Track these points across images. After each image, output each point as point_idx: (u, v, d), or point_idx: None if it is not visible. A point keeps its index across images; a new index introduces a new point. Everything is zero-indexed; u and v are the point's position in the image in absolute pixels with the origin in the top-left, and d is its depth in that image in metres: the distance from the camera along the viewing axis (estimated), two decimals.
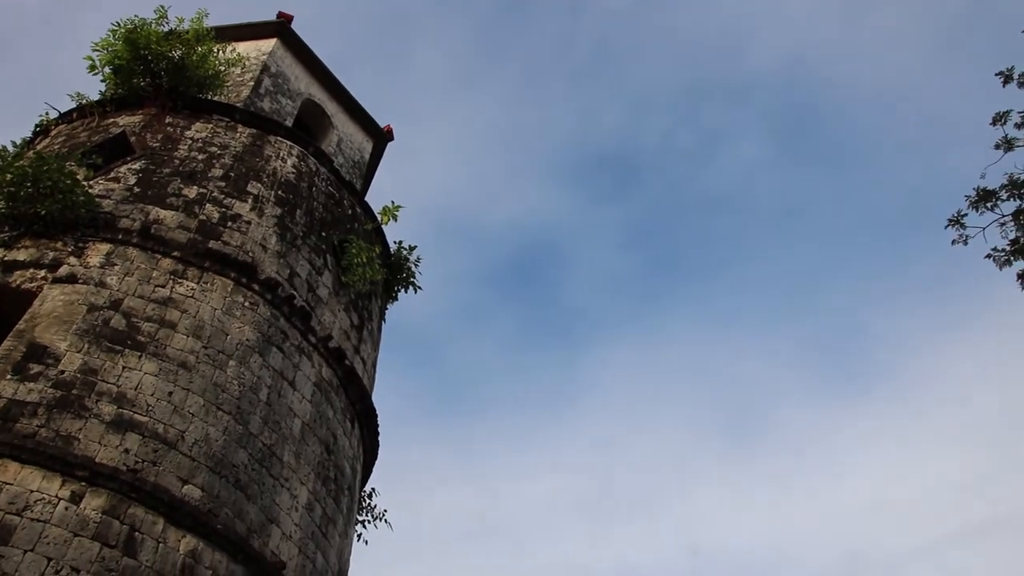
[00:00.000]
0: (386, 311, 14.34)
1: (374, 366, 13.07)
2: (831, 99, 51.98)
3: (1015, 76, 11.97)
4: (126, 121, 12.35)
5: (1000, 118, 12.26)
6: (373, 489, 13.49)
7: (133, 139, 11.91)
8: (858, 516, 44.03)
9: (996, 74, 12.08)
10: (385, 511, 13.43)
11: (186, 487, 7.94)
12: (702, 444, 50.67)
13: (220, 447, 8.50)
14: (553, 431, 51.21)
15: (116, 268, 9.60)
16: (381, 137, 18.83)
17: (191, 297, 9.67)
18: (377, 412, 12.30)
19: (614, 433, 50.09)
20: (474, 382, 52.57)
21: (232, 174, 11.57)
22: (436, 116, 53.90)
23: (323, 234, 12.21)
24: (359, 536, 12.85)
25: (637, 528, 46.96)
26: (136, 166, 11.24)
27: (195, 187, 11.07)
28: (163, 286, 9.62)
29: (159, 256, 9.95)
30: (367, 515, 13.17)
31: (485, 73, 55.80)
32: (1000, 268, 12.44)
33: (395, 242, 14.44)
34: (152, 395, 8.42)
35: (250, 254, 10.53)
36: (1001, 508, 41.82)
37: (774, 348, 52.45)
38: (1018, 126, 12.19)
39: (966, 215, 12.53)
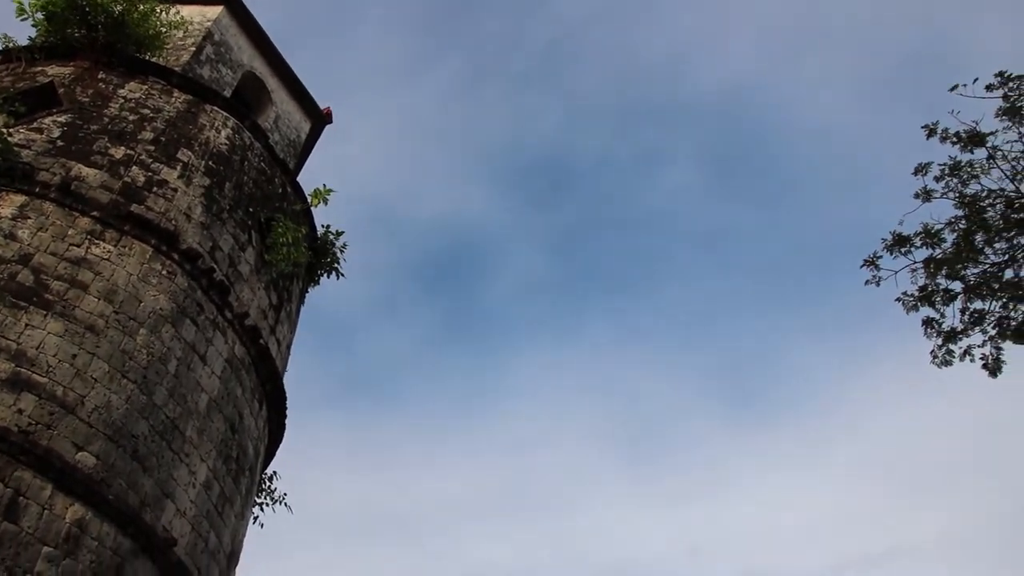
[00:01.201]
0: (307, 294, 14.19)
1: (289, 348, 12.91)
2: (765, 132, 53.39)
3: (939, 131, 12.49)
4: (56, 72, 11.93)
5: (921, 169, 12.77)
6: (275, 472, 13.33)
7: (61, 91, 11.52)
8: (754, 538, 45.23)
9: (922, 127, 12.58)
10: (285, 495, 13.28)
11: (80, 454, 7.72)
12: (607, 455, 51.41)
13: (121, 416, 8.30)
14: (464, 430, 51.34)
15: (29, 222, 9.29)
16: (320, 119, 18.62)
17: (107, 260, 9.41)
18: (287, 395, 12.16)
19: (523, 437, 50.52)
20: (388, 374, 52.35)
21: (163, 139, 11.30)
22: (375, 103, 53.54)
23: (250, 210, 12.02)
24: (256, 519, 12.69)
25: (535, 532, 47.37)
26: (62, 119, 10.89)
27: (123, 148, 10.78)
28: (78, 245, 9.34)
29: (77, 214, 9.66)
30: (266, 498, 13.00)
31: (428, 65, 55.58)
32: (907, 312, 12.97)
33: (323, 226, 14.32)
34: (54, 356, 8.17)
35: (173, 222, 10.30)
36: (898, 537, 43.53)
37: (685, 368, 53.62)
38: (937, 179, 12.72)
39: (881, 257, 13.03)
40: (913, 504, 44.11)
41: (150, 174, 10.65)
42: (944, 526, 42.56)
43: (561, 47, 55.01)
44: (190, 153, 11.40)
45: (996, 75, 11.81)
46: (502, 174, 56.27)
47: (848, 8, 49.25)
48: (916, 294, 12.85)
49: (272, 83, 17.43)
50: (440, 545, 46.21)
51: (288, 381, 12.50)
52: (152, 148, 11.05)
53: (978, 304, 12.51)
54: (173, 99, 12.13)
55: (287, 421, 12.55)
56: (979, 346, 12.51)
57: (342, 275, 14.32)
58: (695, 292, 53.78)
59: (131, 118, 11.36)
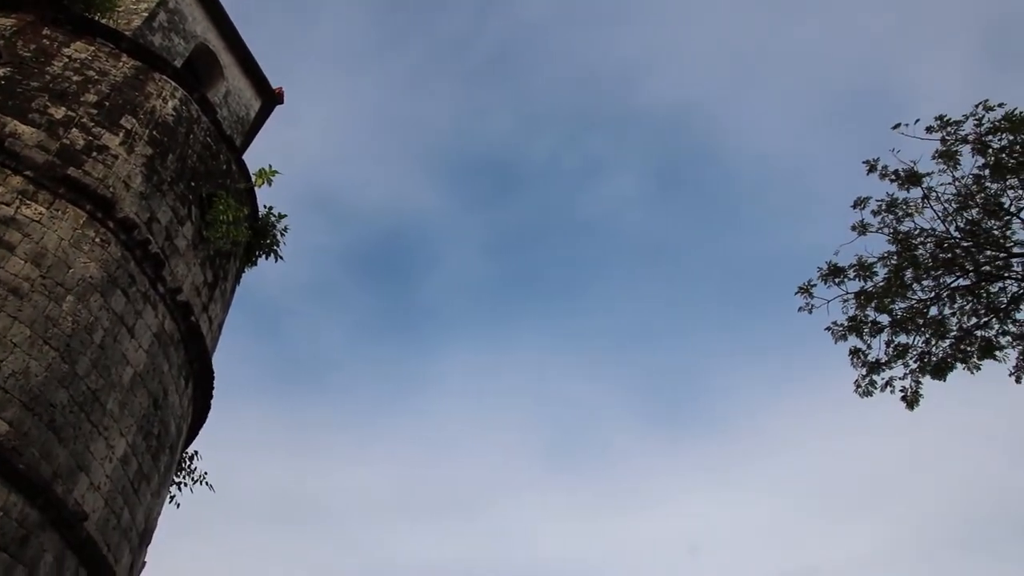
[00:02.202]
0: (243, 274, 13.95)
1: (220, 327, 12.67)
2: (711, 152, 54.34)
3: (879, 168, 12.86)
4: None
5: (860, 203, 13.14)
6: (196, 452, 13.08)
7: (1, 43, 11.12)
8: (669, 552, 45.84)
9: (863, 162, 12.94)
10: (206, 474, 13.04)
11: None
12: (531, 459, 51.66)
13: (40, 383, 8.04)
14: (393, 423, 51.08)
15: None
16: (271, 98, 18.32)
17: (37, 222, 9.12)
18: (215, 374, 11.94)
19: (451, 434, 50.51)
20: (320, 361, 51.80)
21: (107, 103, 10.98)
22: (327, 88, 52.92)
23: (192, 184, 11.76)
24: (172, 498, 12.42)
25: (455, 530, 47.32)
26: (0, 72, 10.52)
27: (63, 108, 10.45)
28: (8, 204, 9.03)
29: (9, 172, 9.34)
30: (185, 477, 12.75)
31: (383, 55, 55.12)
32: (836, 341, 13.33)
33: (265, 206, 14.08)
34: None
35: (111, 189, 10.02)
36: (812, 557, 44.56)
37: (614, 378, 54.24)
38: (874, 213, 13.10)
39: (815, 286, 13.36)
40: (829, 526, 45.26)
41: (90, 138, 10.35)
42: (858, 548, 43.76)
43: (517, 48, 55.19)
44: (134, 121, 11.11)
45: (936, 119, 12.21)
46: (448, 170, 56.20)
47: (804, 38, 50.48)
48: (845, 324, 13.20)
49: (225, 58, 17.09)
50: (360, 537, 45.89)
51: (217, 361, 12.28)
52: (95, 112, 10.73)
53: (903, 338, 12.91)
54: (121, 64, 11.80)
55: (213, 401, 12.33)
56: (900, 379, 12.90)
57: (281, 258, 14.12)
58: (630, 303, 54.47)
59: (75, 79, 11.02)
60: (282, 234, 14.11)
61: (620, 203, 56.21)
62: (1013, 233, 12.34)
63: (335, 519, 46.48)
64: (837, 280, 13.13)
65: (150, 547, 10.34)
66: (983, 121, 11.88)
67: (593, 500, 48.88)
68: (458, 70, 55.58)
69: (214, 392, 12.16)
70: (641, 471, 50.00)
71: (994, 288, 12.65)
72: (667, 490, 48.90)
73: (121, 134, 10.75)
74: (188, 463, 12.87)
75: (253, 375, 47.05)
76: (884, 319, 12.93)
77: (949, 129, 12.18)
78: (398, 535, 46.34)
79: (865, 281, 12.96)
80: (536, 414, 52.77)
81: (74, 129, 10.30)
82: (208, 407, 12.33)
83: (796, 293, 13.36)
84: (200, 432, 12.72)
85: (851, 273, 13.04)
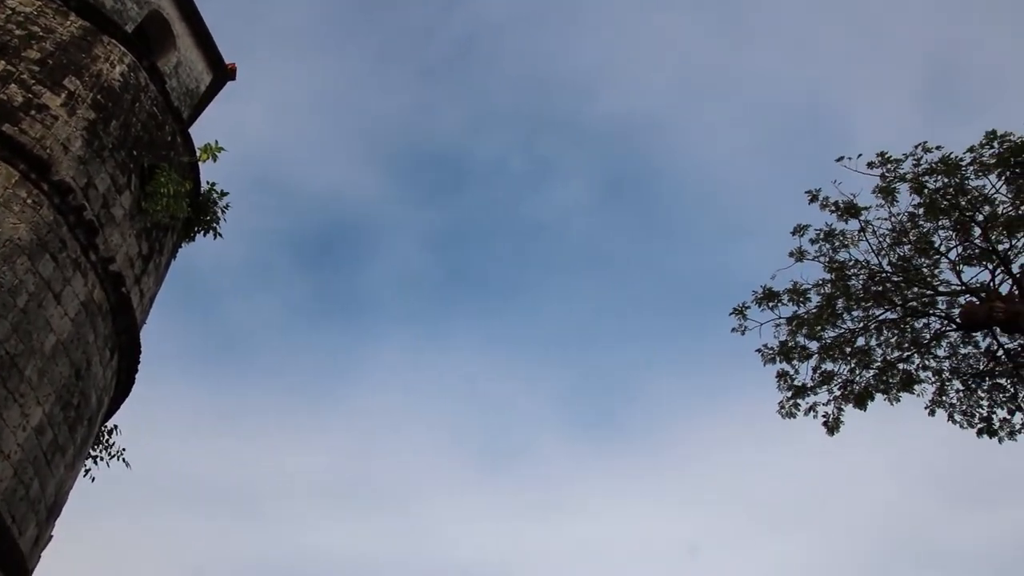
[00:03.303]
0: (179, 249, 13.67)
1: (152, 301, 12.39)
2: (659, 166, 54.99)
3: (820, 198, 13.20)
4: None
5: (799, 230, 13.49)
6: (116, 426, 12.75)
7: None
8: (588, 558, 46.20)
9: (806, 192, 13.27)
10: (124, 450, 12.73)
11: None
12: (456, 458, 51.58)
13: None
14: (320, 410, 50.45)
15: None
16: (223, 73, 17.96)
17: None
18: (142, 348, 11.67)
19: (377, 425, 50.23)
20: (252, 342, 50.87)
21: (50, 62, 10.65)
22: (281, 69, 52.02)
23: (135, 153, 11.48)
24: (87, 472, 12.10)
25: (373, 523, 47.03)
26: None
27: (3, 62, 10.10)
28: None
29: None
30: (102, 451, 12.42)
31: (340, 40, 54.43)
32: (764, 364, 13.64)
33: (208, 182, 13.81)
34: None
35: (48, 150, 9.72)
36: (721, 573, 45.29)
37: (547, 383, 54.42)
38: (812, 241, 13.45)
39: (749, 308, 13.67)
40: (743, 541, 46.11)
41: (30, 96, 10.02)
42: (771, 565, 44.67)
43: (476, 46, 55.00)
44: (78, 82, 10.79)
45: (878, 155, 12.59)
46: (396, 162, 55.72)
47: (757, 62, 51.44)
48: (776, 348, 13.53)
49: (179, 27, 16.70)
50: (282, 525, 45.23)
51: (146, 335, 12.01)
52: (37, 69, 10.39)
53: (829, 365, 13.27)
54: (68, 22, 11.46)
55: (138, 376, 12.05)
56: (823, 404, 13.27)
57: (220, 235, 13.87)
58: (568, 309, 54.76)
59: (18, 33, 10.65)
60: (223, 211, 13.86)
61: (565, 209, 56.56)
62: (941, 272, 12.80)
63: (257, 505, 45.77)
64: (771, 304, 13.45)
65: (60, 523, 10.06)
66: (921, 161, 12.30)
67: (517, 504, 49.01)
68: (415, 63, 55.24)
69: (140, 366, 11.89)
70: (567, 477, 50.27)
71: (919, 324, 13.10)
72: (591, 497, 49.26)
73: (63, 95, 10.44)
74: (107, 437, 12.54)
75: (181, 353, 46.10)
76: (813, 345, 13.29)
77: (889, 166, 12.58)
78: (320, 523, 45.82)
79: (798, 307, 13.30)
80: (467, 413, 52.74)
81: (13, 85, 9.96)
82: (132, 381, 12.04)
83: (731, 314, 13.65)
84: (122, 407, 12.42)
85: (785, 298, 13.38)
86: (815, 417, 13.23)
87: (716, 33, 52.28)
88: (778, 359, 13.43)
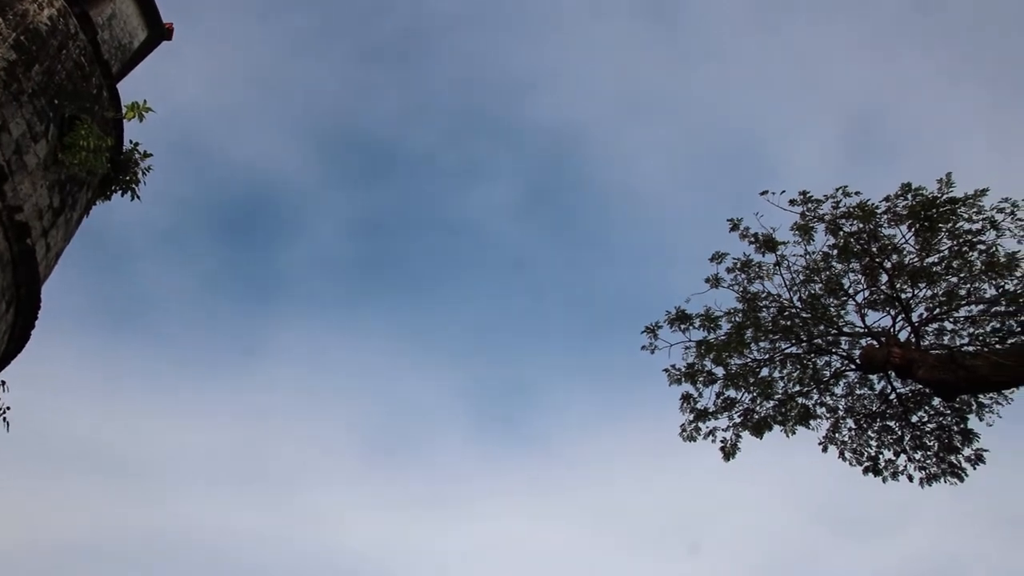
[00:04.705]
0: (93, 206, 13.20)
1: (58, 256, 11.94)
2: (588, 177, 55.59)
3: (741, 228, 13.51)
4: None
5: (717, 258, 13.77)
6: (3, 382, 12.22)
7: None
8: (472, 564, 46.27)
9: (727, 220, 13.56)
10: (8, 408, 12.19)
11: None
12: (350, 446, 51.17)
13: None
14: (221, 384, 49.40)
15: None
16: (159, 32, 17.44)
17: None
18: (41, 304, 11.23)
19: (279, 406, 49.46)
20: (156, 310, 49.44)
21: None
22: (219, 35, 50.74)
23: (56, 102, 11.05)
24: None
25: (255, 502, 46.25)
26: None
27: None
28: None
29: None
30: None
31: (281, 14, 53.44)
32: (670, 384, 13.89)
33: (131, 142, 13.39)
34: None
35: None
36: None
37: (451, 381, 54.48)
38: (729, 270, 13.75)
39: (661, 328, 13.89)
40: (623, 556, 46.81)
41: None
42: None
43: (421, 36, 54.58)
44: (0, 21, 10.34)
45: (800, 193, 12.95)
46: (327, 142, 54.92)
47: (693, 86, 52.49)
48: (683, 370, 13.79)
49: None
50: (169, 496, 44.09)
51: (48, 290, 11.56)
52: None
53: (732, 392, 13.59)
54: None
55: (34, 332, 11.59)
56: (723, 430, 13.57)
57: (138, 197, 13.45)
58: (481, 310, 55.00)
59: None
60: (144, 173, 13.46)
61: (489, 209, 56.76)
62: (846, 313, 13.25)
63: (148, 475, 44.49)
64: (683, 327, 13.71)
65: None
66: (840, 205, 12.71)
67: (408, 496, 48.86)
68: (356, 44, 54.50)
69: (37, 322, 11.44)
70: (461, 475, 50.35)
71: (821, 361, 13.52)
72: (481, 497, 49.42)
73: None
74: None
75: (82, 313, 44.51)
76: (719, 371, 13.59)
77: (810, 205, 12.95)
78: (205, 497, 44.82)
79: (708, 332, 13.59)
80: (369, 402, 52.38)
81: None
82: (28, 337, 11.58)
83: (642, 332, 13.87)
84: (12, 362, 11.93)
85: (697, 322, 13.65)
86: (714, 441, 13.52)
87: (658, 54, 53.26)
88: (684, 381, 13.70)
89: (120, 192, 13.42)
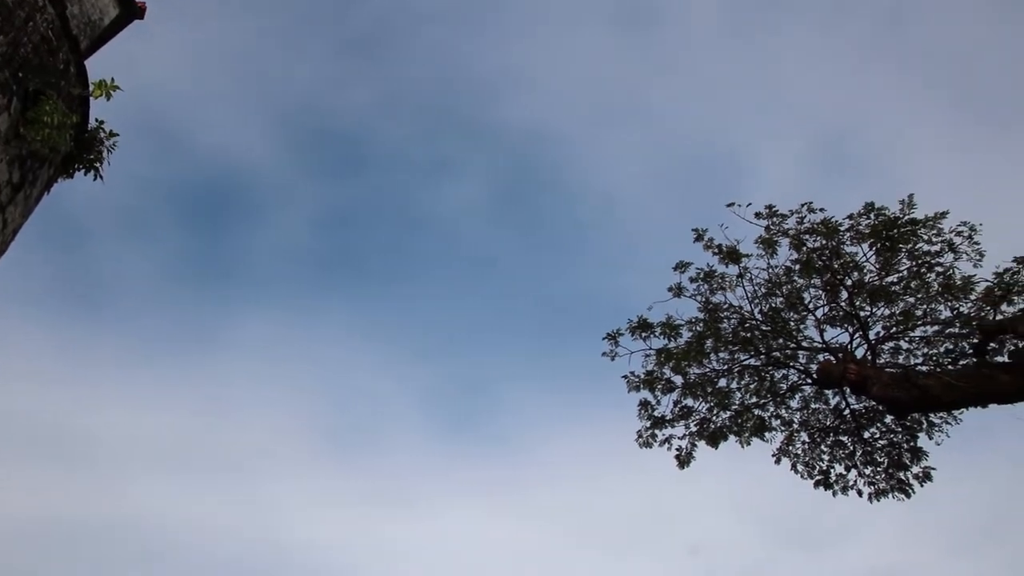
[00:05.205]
0: (54, 183, 12.96)
1: (15, 233, 11.70)
2: (558, 181, 55.73)
3: (706, 238, 13.62)
4: None
5: (681, 267, 13.87)
6: None
7: None
8: (434, 562, 46.11)
9: (692, 230, 13.67)
10: None
11: None
12: (306, 438, 50.76)
13: None
14: (178, 370, 48.68)
15: None
16: (131, 10, 17.17)
17: None
18: None
19: (236, 395, 48.97)
20: (113, 291, 48.64)
21: None
22: (192, 17, 50.20)
23: (20, 75, 10.83)
24: None
25: (206, 490, 45.72)
26: None
27: None
28: None
29: None
30: None
31: (259, 1, 52.97)
32: (628, 391, 13.96)
33: (97, 120, 13.16)
34: None
35: None
36: None
37: (411, 377, 54.22)
38: (692, 280, 13.85)
39: (623, 335, 13.95)
40: (574, 559, 46.97)
41: None
42: None
43: (397, 29, 54.27)
44: None
45: (766, 207, 13.10)
46: (297, 131, 54.33)
47: (670, 95, 52.89)
48: (642, 377, 13.87)
49: None
50: (121, 483, 43.41)
51: (3, 268, 11.34)
52: None
53: (690, 401, 13.70)
54: None
55: None
56: (679, 438, 13.68)
57: (101, 177, 13.22)
58: (445, 308, 54.84)
59: None
60: (109, 152, 13.24)
61: (457, 207, 56.64)
62: (806, 328, 13.42)
63: (91, 458, 43.77)
64: (644, 334, 13.78)
65: None
66: (804, 220, 12.87)
67: (364, 492, 48.54)
68: (334, 35, 54.13)
69: None
70: (418, 473, 50.16)
71: (778, 374, 13.68)
72: (438, 496, 49.26)
73: None
74: None
75: (37, 292, 43.69)
76: (678, 380, 13.69)
77: (775, 219, 13.10)
78: (157, 485, 44.19)
79: (669, 340, 13.68)
80: (329, 395, 51.98)
81: None
82: None
83: (603, 339, 13.93)
84: None
85: (658, 330, 13.73)
86: (669, 449, 13.62)
87: (633, 60, 53.49)
88: (642, 388, 13.78)
89: (84, 171, 13.18)
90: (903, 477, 12.98)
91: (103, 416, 44.68)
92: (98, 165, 13.17)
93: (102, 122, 13.20)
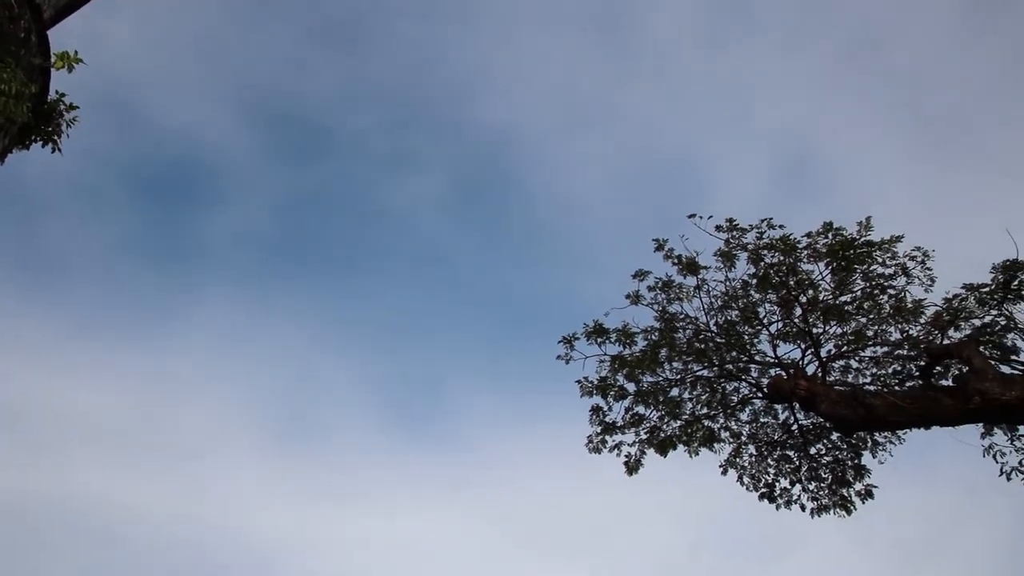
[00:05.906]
0: (9, 154, 12.68)
1: None
2: (521, 181, 55.82)
3: (666, 248, 13.69)
4: None
5: (640, 275, 13.95)
6: None
7: None
8: (381, 557, 45.88)
9: (653, 239, 13.73)
10: None
11: None
12: (255, 428, 50.29)
13: None
14: (129, 348, 47.95)
15: None
16: None
17: None
18: None
19: (186, 378, 48.36)
20: (70, 267, 47.75)
21: None
22: None
23: None
24: None
25: (148, 473, 45.10)
26: None
27: None
28: None
29: None
30: None
31: None
32: (581, 395, 13.99)
33: (57, 92, 12.89)
34: None
35: None
36: None
37: (364, 371, 53.92)
38: (650, 288, 13.93)
39: (578, 339, 13.99)
40: (516, 561, 46.98)
41: None
42: None
43: (369, 19, 53.90)
44: None
45: (727, 220, 13.21)
46: (260, 115, 53.76)
47: (637, 103, 53.22)
48: (595, 382, 13.91)
49: None
50: (45, 457, 42.58)
51: None
52: None
53: (641, 409, 13.77)
54: None
55: None
56: (629, 445, 13.74)
57: (59, 150, 12.96)
58: (401, 302, 54.56)
59: None
60: (69, 125, 12.98)
61: (419, 201, 56.52)
62: (759, 342, 13.56)
63: (26, 434, 42.83)
64: (599, 340, 13.83)
65: None
66: (764, 236, 12.99)
67: (309, 484, 48.07)
68: (304, 21, 53.55)
69: None
70: (365, 467, 49.93)
71: (730, 387, 13.81)
72: (384, 491, 48.94)
73: None
74: None
75: None
76: (631, 387, 13.75)
77: (735, 233, 13.21)
78: (94, 466, 43.48)
79: (624, 347, 13.74)
80: (280, 383, 51.44)
81: None
82: None
83: (559, 342, 13.96)
84: None
85: (613, 337, 13.79)
86: (619, 455, 13.68)
87: (602, 65, 53.78)
88: (595, 393, 13.83)
89: (41, 143, 12.91)
90: (846, 494, 13.16)
91: (38, 391, 43.87)
92: (56, 138, 12.92)
93: (63, 95, 12.94)
